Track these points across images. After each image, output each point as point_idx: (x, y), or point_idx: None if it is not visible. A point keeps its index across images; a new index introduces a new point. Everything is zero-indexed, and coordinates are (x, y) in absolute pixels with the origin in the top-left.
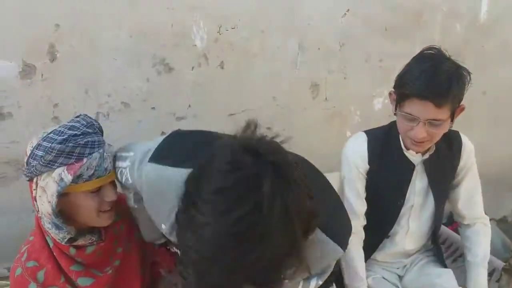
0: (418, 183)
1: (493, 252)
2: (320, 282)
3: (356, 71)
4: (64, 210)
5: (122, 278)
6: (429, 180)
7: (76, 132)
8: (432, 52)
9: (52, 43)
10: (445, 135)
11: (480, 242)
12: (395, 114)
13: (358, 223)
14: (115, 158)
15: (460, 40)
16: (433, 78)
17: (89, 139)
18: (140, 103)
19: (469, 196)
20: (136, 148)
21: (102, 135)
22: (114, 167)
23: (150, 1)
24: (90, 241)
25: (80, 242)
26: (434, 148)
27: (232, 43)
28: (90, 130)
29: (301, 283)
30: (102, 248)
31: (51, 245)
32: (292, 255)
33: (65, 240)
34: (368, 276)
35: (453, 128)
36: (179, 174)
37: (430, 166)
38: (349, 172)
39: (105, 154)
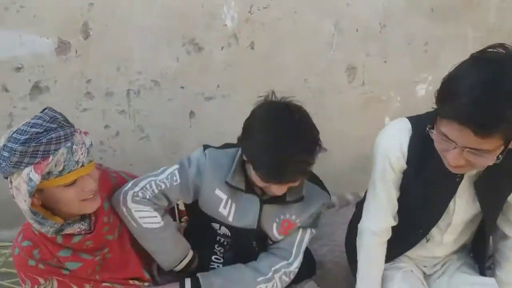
0: (460, 200)
1: None
2: (314, 232)
3: (398, 54)
4: (46, 203)
5: (117, 258)
6: (479, 197)
7: (38, 129)
8: (498, 54)
9: (85, 21)
10: None
11: None
12: (428, 131)
13: (385, 225)
14: (131, 189)
15: None
16: (484, 100)
17: (53, 135)
18: (169, 82)
19: None
20: (163, 169)
21: (71, 126)
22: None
23: None
24: (78, 230)
25: (68, 231)
26: None
27: (263, 23)
28: (53, 125)
29: (299, 230)
30: (91, 238)
31: (36, 233)
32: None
33: (50, 232)
34: (398, 267)
35: None
36: (229, 151)
37: (480, 183)
38: (382, 168)
39: (74, 147)
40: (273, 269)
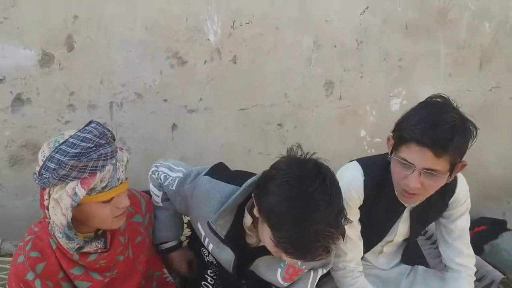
0: (402, 225)
1: (509, 263)
2: (325, 271)
3: (374, 70)
4: (75, 217)
5: (121, 276)
6: (411, 225)
7: (89, 144)
8: (439, 100)
9: (70, 34)
10: None
11: None
12: (389, 159)
13: (358, 257)
14: (157, 166)
15: (488, 41)
16: (436, 126)
17: (102, 151)
18: (153, 95)
19: (452, 241)
20: (187, 168)
21: (114, 142)
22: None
23: None
24: (95, 248)
25: (86, 249)
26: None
27: (245, 39)
28: (103, 141)
29: (311, 273)
30: (105, 257)
31: (53, 247)
32: (339, 226)
33: (74, 250)
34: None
35: (479, 134)
36: (226, 188)
37: (416, 213)
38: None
39: (117, 164)
40: None
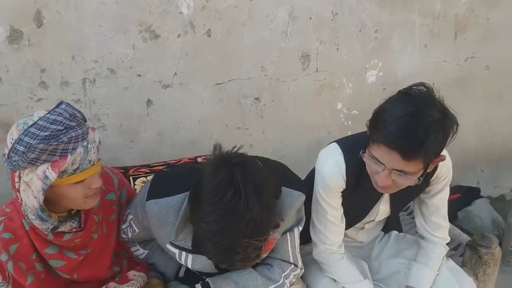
0: (383, 205)
1: (483, 229)
2: (300, 228)
3: (350, 42)
4: (48, 197)
5: (96, 254)
6: (391, 205)
7: (59, 127)
8: (420, 91)
9: (38, 9)
10: None
11: (434, 259)
12: (361, 155)
13: (340, 239)
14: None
15: (463, 11)
16: (408, 128)
17: (73, 133)
18: (126, 70)
19: (429, 215)
20: (131, 205)
21: (86, 123)
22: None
23: None
24: (69, 228)
25: (61, 229)
26: None
27: (219, 11)
28: (73, 123)
29: (287, 235)
30: (80, 236)
31: (27, 227)
32: (272, 213)
33: (48, 230)
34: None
35: (454, 104)
36: (175, 200)
37: (396, 194)
38: (327, 194)
39: (89, 146)
40: (283, 275)
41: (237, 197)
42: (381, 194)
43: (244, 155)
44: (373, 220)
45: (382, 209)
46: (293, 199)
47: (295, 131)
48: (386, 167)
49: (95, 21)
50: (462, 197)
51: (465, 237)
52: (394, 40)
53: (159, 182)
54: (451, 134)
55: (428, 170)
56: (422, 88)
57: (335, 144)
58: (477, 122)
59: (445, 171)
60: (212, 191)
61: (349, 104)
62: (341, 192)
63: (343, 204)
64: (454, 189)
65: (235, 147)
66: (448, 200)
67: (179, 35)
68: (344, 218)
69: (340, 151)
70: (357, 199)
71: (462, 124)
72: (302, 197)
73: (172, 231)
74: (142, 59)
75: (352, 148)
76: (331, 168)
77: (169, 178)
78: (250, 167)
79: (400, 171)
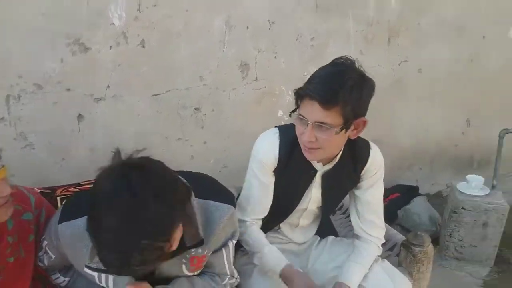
0: (315, 190)
1: (421, 226)
2: (234, 241)
3: (287, 50)
4: None
5: (9, 281)
6: (322, 191)
7: None
8: (343, 61)
9: None
10: (352, 147)
11: (365, 257)
12: (291, 115)
13: (261, 215)
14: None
15: (395, 17)
16: (327, 80)
17: None
18: (54, 85)
19: (363, 212)
20: (46, 231)
21: None
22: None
23: None
24: None
25: None
26: (337, 160)
27: (153, 21)
28: None
29: (223, 250)
30: None
31: None
32: (175, 215)
33: None
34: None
35: (391, 106)
36: (82, 224)
37: (327, 178)
38: (259, 170)
39: None
40: (223, 283)
41: (133, 197)
42: (312, 176)
43: (146, 158)
44: (305, 210)
45: (314, 194)
46: (222, 213)
47: (236, 140)
48: (309, 122)
49: (19, 34)
50: (401, 196)
51: (401, 237)
52: (330, 47)
53: (71, 204)
54: (368, 95)
55: (352, 137)
56: (347, 59)
57: (275, 128)
58: (412, 123)
59: (376, 166)
60: (108, 193)
61: (289, 111)
62: (273, 171)
63: (275, 186)
64: (394, 189)
65: (137, 150)
66: (388, 200)
67: (111, 47)
68: (271, 199)
69: (276, 129)
70: (289, 180)
71: (399, 126)
72: (231, 210)
73: (87, 253)
74: (72, 72)
75: (289, 128)
76: (265, 144)
77: (81, 198)
78: (149, 169)
79: (320, 122)
